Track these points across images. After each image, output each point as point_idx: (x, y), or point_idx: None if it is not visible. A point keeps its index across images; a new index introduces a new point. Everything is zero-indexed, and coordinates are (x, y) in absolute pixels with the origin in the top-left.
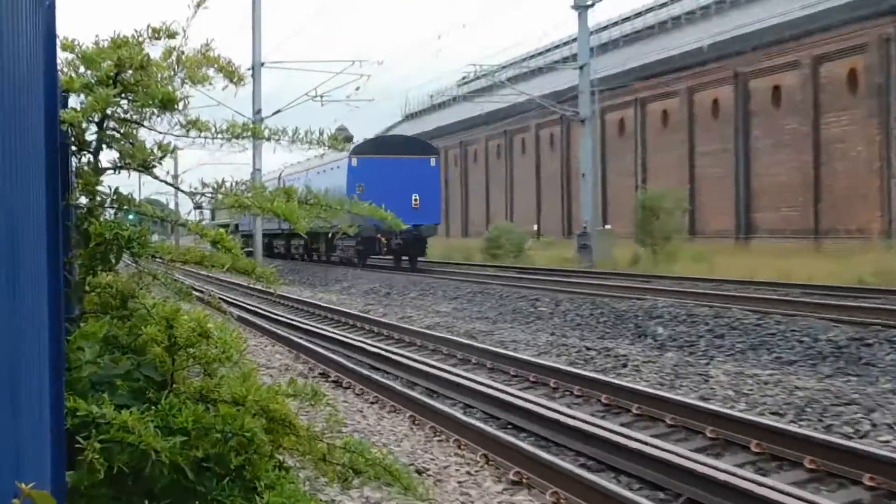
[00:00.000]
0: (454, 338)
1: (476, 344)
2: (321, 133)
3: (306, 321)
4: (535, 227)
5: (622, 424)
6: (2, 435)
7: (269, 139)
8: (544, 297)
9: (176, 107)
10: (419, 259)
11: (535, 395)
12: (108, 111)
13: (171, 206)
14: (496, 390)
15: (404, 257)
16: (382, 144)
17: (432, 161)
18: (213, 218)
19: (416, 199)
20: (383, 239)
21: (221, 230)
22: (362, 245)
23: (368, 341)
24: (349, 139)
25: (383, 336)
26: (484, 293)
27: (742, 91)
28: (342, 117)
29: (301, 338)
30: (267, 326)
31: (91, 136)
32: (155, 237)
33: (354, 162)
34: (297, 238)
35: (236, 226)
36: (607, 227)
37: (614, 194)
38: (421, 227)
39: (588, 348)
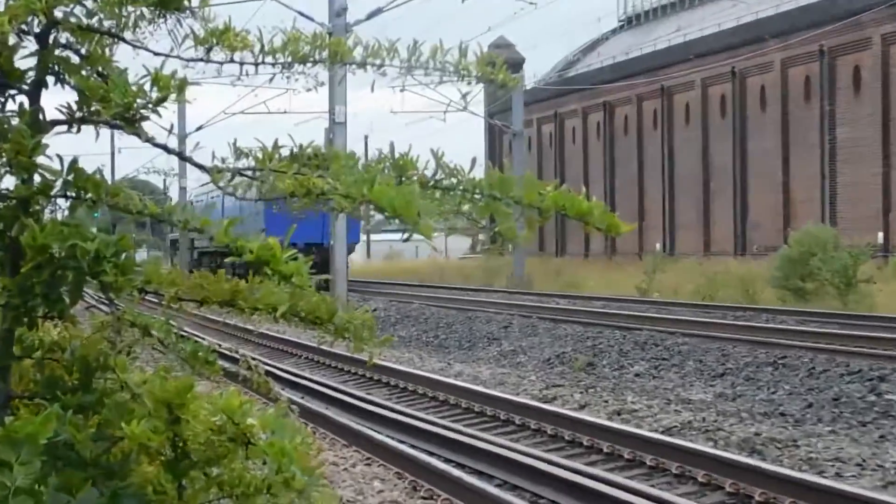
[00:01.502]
0: (719, 453)
1: (763, 466)
2: (463, 52)
3: (431, 416)
4: (880, 236)
5: None
6: None
7: (362, 65)
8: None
9: (186, 4)
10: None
11: None
12: (58, 13)
13: (174, 194)
14: None
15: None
16: None
17: None
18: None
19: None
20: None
21: (273, 241)
22: None
23: (549, 456)
24: (517, 65)
25: (580, 448)
26: (777, 366)
27: None
28: (500, 24)
29: (421, 448)
30: (355, 426)
31: (25, 60)
32: (143, 254)
33: None
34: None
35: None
36: None
37: None
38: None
39: None
